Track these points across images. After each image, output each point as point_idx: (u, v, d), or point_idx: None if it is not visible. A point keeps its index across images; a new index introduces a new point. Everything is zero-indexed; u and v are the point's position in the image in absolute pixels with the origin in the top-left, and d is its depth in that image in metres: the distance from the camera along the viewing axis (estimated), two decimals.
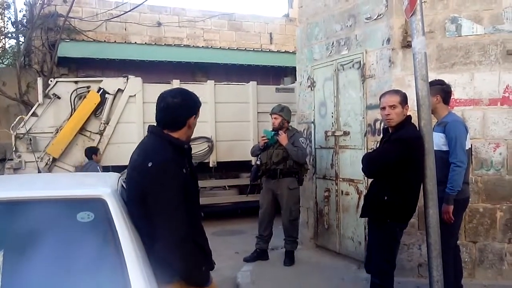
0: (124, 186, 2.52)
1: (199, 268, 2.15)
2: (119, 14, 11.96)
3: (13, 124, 7.64)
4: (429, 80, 3.35)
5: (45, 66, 11.33)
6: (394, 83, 4.68)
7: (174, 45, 12.80)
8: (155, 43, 12.74)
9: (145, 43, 12.62)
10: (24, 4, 11.85)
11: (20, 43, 11.33)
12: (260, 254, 5.59)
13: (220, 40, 13.91)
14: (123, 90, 7.80)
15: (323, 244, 5.88)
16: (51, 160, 7.40)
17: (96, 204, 2.13)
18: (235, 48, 13.50)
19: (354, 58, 5.29)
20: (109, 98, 7.72)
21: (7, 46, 12.18)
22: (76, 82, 7.82)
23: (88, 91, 7.66)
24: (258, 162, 5.62)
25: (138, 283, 1.89)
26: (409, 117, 3.52)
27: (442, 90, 3.80)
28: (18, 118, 7.78)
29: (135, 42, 12.43)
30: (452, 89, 4.03)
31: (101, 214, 2.10)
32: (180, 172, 2.17)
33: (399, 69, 4.76)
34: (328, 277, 4.89)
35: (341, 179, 5.50)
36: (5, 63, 11.60)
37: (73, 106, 7.57)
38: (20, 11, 11.62)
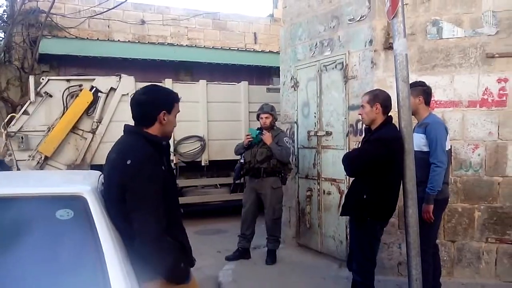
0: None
1: (177, 264, 2.15)
2: (103, 11, 11.82)
3: (3, 122, 7.51)
4: (410, 82, 3.41)
5: (26, 63, 11.13)
6: (376, 84, 4.73)
7: (158, 43, 12.70)
8: (138, 41, 12.61)
9: (129, 41, 12.48)
10: (5, 0, 11.61)
11: (0, 39, 11.11)
12: (242, 253, 5.60)
13: (204, 39, 13.85)
14: (115, 89, 7.75)
15: (305, 243, 5.92)
16: (43, 158, 7.31)
17: (76, 202, 2.12)
18: (219, 47, 13.45)
19: (337, 59, 5.33)
20: (102, 96, 7.67)
21: None
22: (68, 80, 7.74)
23: (81, 90, 7.60)
24: (242, 161, 5.63)
25: (118, 280, 1.89)
26: (389, 118, 3.58)
27: (423, 91, 3.87)
28: (9, 116, 7.66)
29: (118, 40, 12.28)
30: (432, 90, 4.09)
31: (81, 212, 2.09)
32: (158, 168, 2.17)
33: (381, 70, 4.82)
34: (309, 276, 4.92)
35: (323, 179, 5.54)
36: None
37: (65, 105, 7.49)
38: (0, 6, 11.42)
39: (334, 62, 5.38)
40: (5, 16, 11.25)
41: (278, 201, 5.56)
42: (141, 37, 12.86)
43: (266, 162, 5.46)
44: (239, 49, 13.76)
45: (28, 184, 2.43)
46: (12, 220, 2.06)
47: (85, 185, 2.24)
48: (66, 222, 2.06)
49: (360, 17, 5.05)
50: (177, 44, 12.93)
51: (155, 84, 2.47)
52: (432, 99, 4.10)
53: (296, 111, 6.06)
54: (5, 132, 7.27)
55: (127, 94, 7.70)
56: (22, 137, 7.25)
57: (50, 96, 7.48)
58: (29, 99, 7.51)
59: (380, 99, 3.55)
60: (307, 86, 5.87)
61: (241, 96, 8.64)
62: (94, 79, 7.79)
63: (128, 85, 7.77)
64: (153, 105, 2.28)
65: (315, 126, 5.67)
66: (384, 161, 3.34)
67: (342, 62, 5.23)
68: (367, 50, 4.95)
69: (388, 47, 4.73)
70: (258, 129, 5.64)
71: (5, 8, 11.42)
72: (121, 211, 2.12)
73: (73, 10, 11.95)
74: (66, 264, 1.97)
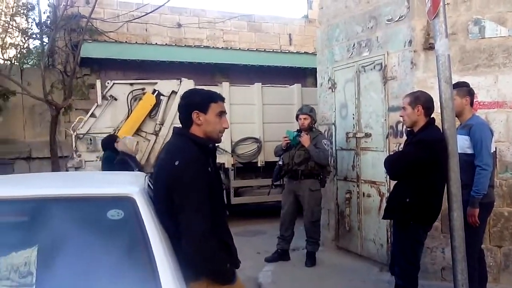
0: (151, 185, 2.57)
1: (223, 265, 2.19)
2: (140, 16, 12.08)
3: (73, 125, 7.87)
4: (453, 82, 3.35)
5: (68, 67, 11.50)
6: (416, 85, 4.66)
7: (194, 46, 12.88)
8: (175, 44, 12.83)
9: (166, 44, 12.71)
10: (48, 6, 12.03)
11: (44, 44, 11.51)
12: (281, 255, 5.61)
13: (239, 41, 13.96)
14: (176, 92, 7.90)
15: (344, 246, 5.87)
16: None
17: (126, 202, 2.17)
18: (255, 49, 13.52)
19: (375, 60, 5.27)
20: (164, 99, 7.87)
21: (31, 47, 12.39)
22: (131, 84, 7.99)
23: (143, 93, 7.83)
24: (280, 163, 5.64)
25: (168, 280, 1.92)
26: (432, 119, 3.52)
27: (469, 92, 3.79)
28: (77, 118, 7.97)
29: (156, 43, 12.54)
30: (475, 91, 4.00)
31: (130, 212, 2.14)
32: (205, 170, 2.22)
33: (421, 71, 4.74)
34: (349, 279, 4.88)
35: (362, 181, 5.49)
36: (29, 63, 11.82)
37: (129, 107, 7.73)
38: (44, 13, 11.85)
39: (373, 63, 5.32)
40: (49, 21, 11.64)
41: (317, 204, 5.54)
42: (177, 40, 13.08)
43: (303, 164, 5.46)
44: (274, 50, 13.78)
45: (81, 185, 2.51)
46: (67, 219, 2.14)
47: (134, 186, 2.30)
48: (117, 222, 2.13)
49: (399, 17, 4.98)
50: (213, 47, 13.08)
51: (194, 88, 2.55)
52: (474, 100, 4.00)
53: (333, 112, 6.03)
54: (75, 134, 7.57)
55: None
56: (90, 139, 7.55)
57: (115, 99, 7.74)
58: (96, 103, 7.78)
59: (421, 100, 3.50)
60: (344, 87, 5.83)
61: (294, 98, 8.69)
62: (156, 83, 8.01)
63: (188, 88, 7.82)
64: (186, 107, 2.36)
65: (354, 127, 5.62)
66: (427, 163, 3.29)
67: (381, 63, 5.17)
68: (406, 50, 4.87)
69: (428, 47, 4.65)
70: (297, 130, 5.64)
71: (48, 14, 11.83)
72: (168, 211, 2.17)
73: (112, 14, 12.27)
74: (117, 262, 2.03)
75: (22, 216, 2.17)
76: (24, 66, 11.52)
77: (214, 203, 2.19)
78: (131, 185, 2.35)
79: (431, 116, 3.53)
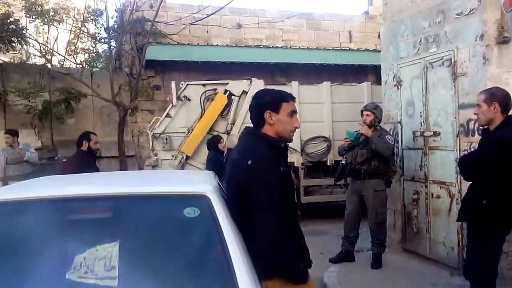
0: (220, 184, 2.63)
1: (297, 264, 2.20)
2: (202, 18, 12.35)
3: (150, 125, 8.23)
4: None
5: (134, 69, 11.97)
6: (489, 81, 4.43)
7: (254, 46, 13.01)
8: (235, 45, 13.02)
9: (226, 45, 12.94)
10: (115, 11, 12.58)
11: (112, 47, 12.05)
12: (346, 256, 5.53)
13: (298, 40, 13.93)
14: (247, 92, 8.07)
15: (411, 248, 5.69)
16: (184, 158, 7.86)
17: (200, 201, 2.23)
18: (314, 47, 13.45)
19: (444, 56, 5.07)
20: (235, 99, 8.06)
21: (100, 51, 13.01)
22: (204, 85, 8.23)
23: (215, 93, 8.04)
24: (343, 162, 5.58)
25: (244, 277, 1.94)
26: (509, 117, 3.34)
27: None
28: (154, 119, 8.33)
29: (217, 44, 12.78)
30: None
31: (205, 210, 2.19)
32: (277, 169, 2.23)
33: (494, 66, 4.51)
34: (417, 282, 4.73)
35: (431, 181, 5.29)
36: (99, 67, 12.42)
37: (202, 107, 7.96)
38: (111, 18, 12.39)
39: (441, 59, 5.12)
40: (116, 26, 12.17)
41: (381, 204, 5.42)
42: (237, 41, 13.25)
43: (366, 164, 5.36)
44: (334, 48, 13.65)
45: (159, 184, 2.61)
46: (146, 216, 2.24)
47: (208, 185, 2.36)
48: (193, 220, 2.18)
49: (470, 11, 4.75)
50: (272, 46, 13.15)
51: (265, 88, 2.56)
52: None
53: (399, 110, 5.87)
54: (151, 133, 7.91)
55: None
56: (166, 138, 7.88)
57: (189, 99, 8.01)
58: (171, 103, 8.08)
59: (498, 97, 3.33)
60: (411, 84, 5.65)
61: (364, 96, 8.55)
62: (227, 83, 8.23)
63: (258, 88, 7.85)
64: (258, 107, 2.38)
65: (421, 126, 5.44)
66: (505, 163, 3.13)
67: (450, 59, 4.97)
68: (477, 45, 4.65)
69: (502, 41, 4.42)
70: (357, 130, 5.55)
71: (115, 19, 12.36)
72: (241, 209, 2.21)
73: (175, 17, 12.64)
74: (194, 259, 2.09)
75: (105, 212, 2.29)
76: (94, 70, 12.10)
77: (286, 203, 2.21)
78: (205, 184, 2.41)
79: (509, 114, 3.36)
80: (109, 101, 10.64)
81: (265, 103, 2.37)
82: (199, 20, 12.41)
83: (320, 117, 8.42)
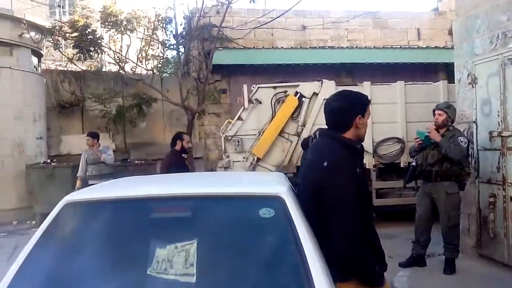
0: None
1: (373, 266, 2.18)
2: (267, 22, 12.46)
3: (222, 128, 8.46)
4: None
5: (202, 74, 12.31)
6: None
7: (319, 47, 12.94)
8: (300, 47, 13.02)
9: (291, 47, 12.97)
10: (183, 18, 13.02)
11: (180, 53, 12.47)
12: (416, 260, 5.38)
13: (364, 39, 13.68)
14: (317, 94, 8.07)
15: (487, 253, 5.43)
16: (255, 160, 8.01)
17: (275, 202, 2.26)
18: (381, 46, 13.15)
19: None
20: (305, 101, 8.08)
21: (169, 57, 13.52)
22: (274, 87, 8.30)
23: (286, 96, 8.12)
24: (414, 163, 5.43)
25: (320, 279, 1.95)
26: None
27: None
28: (226, 121, 8.59)
29: (282, 47, 12.84)
30: None
31: (280, 211, 2.23)
32: (354, 171, 2.23)
33: None
34: None
35: (509, 184, 5.03)
36: (168, 72, 12.91)
37: (273, 110, 8.09)
38: (180, 25, 12.84)
39: None
40: (184, 33, 12.59)
41: (454, 208, 5.22)
42: (302, 43, 13.25)
43: (437, 165, 5.19)
44: (402, 46, 13.27)
45: (235, 185, 2.69)
46: (223, 215, 2.32)
47: (282, 186, 2.40)
48: (268, 220, 2.23)
49: None
50: (337, 47, 13.02)
51: (346, 90, 2.54)
52: None
53: (474, 109, 5.62)
54: (224, 136, 8.17)
55: None
56: (238, 141, 8.05)
57: (260, 102, 8.14)
58: (243, 106, 8.23)
59: None
60: (487, 82, 5.40)
61: (439, 96, 8.19)
62: (298, 85, 8.24)
63: (329, 89, 7.86)
64: (350, 110, 2.35)
65: (499, 126, 5.18)
66: None
67: None
68: None
69: None
70: (435, 127, 5.36)
71: (183, 26, 12.79)
72: (315, 210, 2.23)
73: (241, 22, 12.84)
74: (270, 259, 2.12)
75: (184, 212, 2.39)
76: (163, 75, 12.59)
77: (362, 204, 2.20)
78: (279, 185, 2.45)
79: None
80: (178, 105, 11.02)
81: (357, 107, 2.36)
82: (264, 24, 12.53)
83: (393, 117, 8.20)
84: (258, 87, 8.20)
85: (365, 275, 2.15)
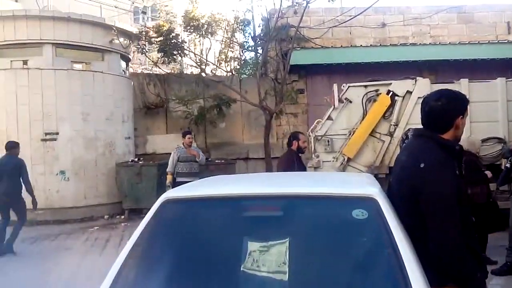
0: None
1: (474, 273, 2.10)
2: (345, 20, 12.30)
3: (311, 127, 8.54)
4: None
5: (279, 74, 12.42)
6: None
7: (399, 44, 12.55)
8: (379, 44, 12.71)
9: (370, 45, 12.69)
10: (261, 20, 13.21)
11: (258, 55, 12.67)
12: (511, 268, 5.08)
13: (448, 35, 13.07)
14: (411, 92, 7.87)
15: None
16: (346, 160, 7.96)
17: (368, 203, 2.25)
18: (466, 42, 12.49)
19: None
20: (398, 100, 7.90)
21: (247, 58, 13.79)
22: (365, 86, 8.18)
23: (377, 94, 7.99)
24: (508, 165, 5.14)
25: (418, 282, 1.89)
26: None
27: None
28: (316, 121, 8.61)
29: (360, 45, 12.61)
30: None
31: (374, 213, 2.20)
32: (452, 173, 2.16)
33: None
34: None
35: None
36: (246, 73, 13.18)
37: (364, 109, 8.01)
38: (258, 26, 13.04)
39: None
40: (262, 34, 12.78)
41: None
42: (382, 40, 12.93)
43: None
44: (490, 42, 12.52)
45: (326, 185, 2.70)
46: (315, 216, 2.35)
47: (374, 187, 2.38)
48: (362, 222, 2.21)
49: None
50: (419, 44, 12.56)
51: (446, 89, 2.46)
52: None
53: None
54: (313, 136, 8.24)
55: (423, 96, 7.67)
56: (328, 141, 8.03)
57: (350, 101, 8.06)
58: (333, 105, 8.17)
59: None
60: None
61: None
62: (390, 84, 8.05)
63: (424, 87, 7.66)
64: (451, 111, 2.28)
65: None
66: None
67: None
68: None
69: None
70: None
71: (261, 27, 12.98)
72: (410, 213, 2.18)
73: (318, 21, 12.78)
74: (364, 261, 2.12)
75: (277, 211, 2.43)
76: (242, 77, 12.86)
77: (461, 208, 2.13)
78: (371, 186, 2.44)
79: None
80: (256, 106, 11.21)
81: (459, 108, 2.30)
82: (343, 23, 12.38)
83: (493, 116, 7.74)
84: (349, 86, 8.06)
85: (465, 282, 2.07)
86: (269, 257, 2.22)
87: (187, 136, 8.40)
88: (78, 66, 10.85)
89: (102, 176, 10.59)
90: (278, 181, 2.99)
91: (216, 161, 11.06)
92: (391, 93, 7.78)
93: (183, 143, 8.37)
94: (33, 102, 10.02)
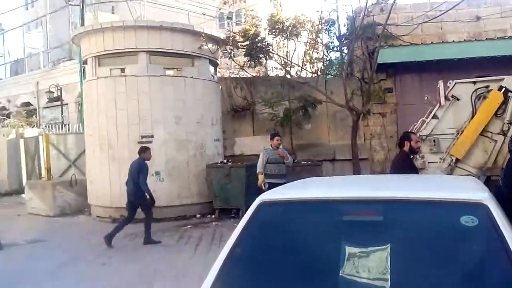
0: None
1: None
2: (436, 16, 11.75)
3: (415, 127, 8.18)
4: None
5: (366, 73, 12.16)
6: None
7: (497, 38, 11.73)
8: (474, 39, 11.98)
9: (463, 40, 12.01)
10: (346, 19, 13.03)
11: (344, 54, 12.50)
12: None
13: None
14: None
15: None
16: (454, 161, 7.59)
17: (479, 209, 2.15)
18: None
19: None
20: None
21: (332, 58, 13.66)
22: (474, 82, 7.73)
23: (488, 91, 7.52)
24: None
25: None
26: None
27: None
28: (419, 120, 8.25)
29: (453, 41, 11.98)
30: None
31: (485, 220, 2.10)
32: None
33: None
34: None
35: None
36: (332, 74, 13.05)
37: (473, 107, 7.59)
38: (344, 26, 12.86)
39: None
40: (347, 33, 12.59)
41: None
42: (476, 34, 12.19)
43: None
44: None
45: (430, 189, 2.62)
46: (418, 221, 2.28)
47: (484, 192, 2.27)
48: (471, 229, 2.12)
49: None
50: None
51: None
52: None
53: None
54: (417, 135, 7.98)
55: None
56: (434, 140, 7.69)
57: (457, 99, 7.68)
58: (439, 103, 7.81)
59: None
60: None
61: None
62: (502, 79, 7.53)
63: None
64: None
65: None
66: None
67: None
68: None
69: None
70: None
71: (347, 26, 12.79)
72: None
73: (406, 18, 12.33)
74: (475, 272, 2.03)
75: (377, 215, 2.39)
76: (327, 77, 12.77)
77: None
78: (480, 190, 2.33)
79: None
80: (342, 106, 11.07)
81: None
82: (434, 18, 11.83)
83: None
84: (456, 83, 7.62)
85: None
86: (369, 263, 2.18)
87: (276, 138, 8.51)
88: (170, 72, 11.41)
89: (193, 177, 11.04)
90: (378, 185, 2.95)
91: (303, 162, 11.07)
92: (504, 89, 7.19)
93: (271, 145, 8.49)
94: (130, 107, 10.70)
